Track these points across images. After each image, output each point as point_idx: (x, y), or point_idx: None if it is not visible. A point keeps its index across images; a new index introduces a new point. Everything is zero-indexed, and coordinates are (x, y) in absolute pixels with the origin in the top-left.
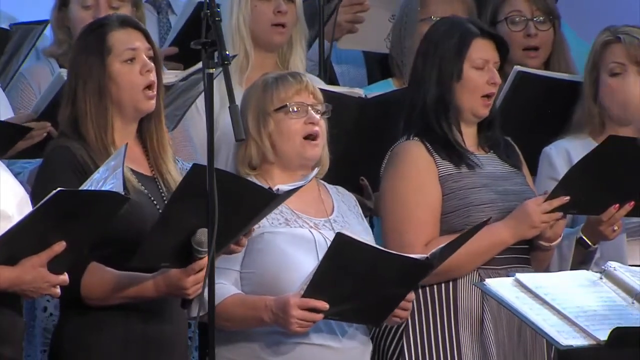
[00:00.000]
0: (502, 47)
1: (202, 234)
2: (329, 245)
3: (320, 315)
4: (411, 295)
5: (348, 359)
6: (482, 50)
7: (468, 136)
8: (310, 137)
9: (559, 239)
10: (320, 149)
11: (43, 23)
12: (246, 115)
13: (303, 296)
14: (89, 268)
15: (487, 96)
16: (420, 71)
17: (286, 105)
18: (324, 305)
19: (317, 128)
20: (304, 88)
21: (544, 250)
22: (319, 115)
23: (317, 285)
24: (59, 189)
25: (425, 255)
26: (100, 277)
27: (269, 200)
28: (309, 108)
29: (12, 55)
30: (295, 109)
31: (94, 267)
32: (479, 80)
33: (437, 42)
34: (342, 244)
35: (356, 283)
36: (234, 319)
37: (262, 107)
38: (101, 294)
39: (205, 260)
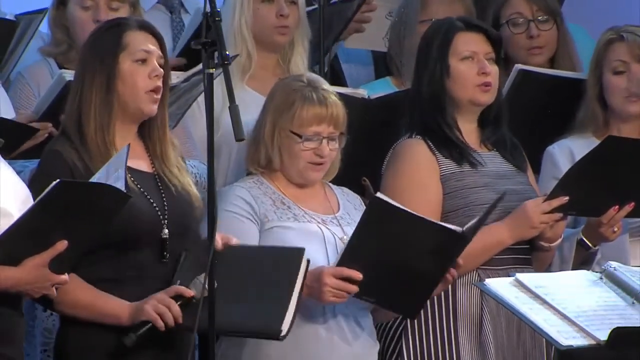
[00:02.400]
0: (497, 40)
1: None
2: (337, 240)
3: (355, 287)
4: (453, 272)
5: (355, 358)
6: (467, 43)
7: (469, 134)
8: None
9: (560, 240)
10: (323, 173)
11: (43, 11)
12: (266, 116)
13: (337, 265)
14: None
15: (482, 84)
16: (416, 72)
17: (302, 136)
18: (358, 275)
19: (324, 159)
20: (327, 117)
21: (544, 250)
22: (334, 141)
23: (351, 255)
24: (59, 179)
25: (461, 228)
26: (74, 287)
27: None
28: (323, 140)
29: (17, 45)
30: (309, 139)
31: (70, 276)
32: (469, 72)
33: (427, 43)
34: (378, 207)
35: (390, 251)
36: None
37: (281, 120)
38: (72, 303)
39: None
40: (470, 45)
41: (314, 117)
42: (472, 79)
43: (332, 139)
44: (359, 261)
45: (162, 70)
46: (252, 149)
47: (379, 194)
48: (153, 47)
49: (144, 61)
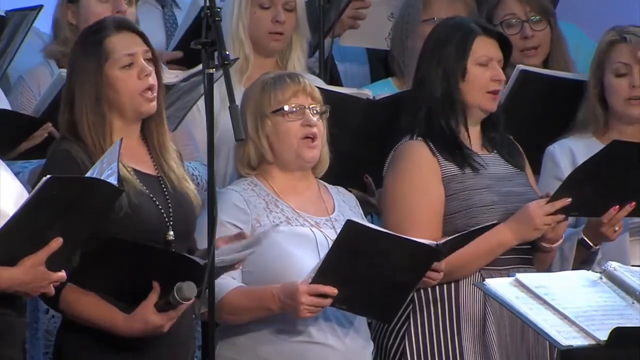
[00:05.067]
0: (506, 46)
1: (189, 292)
2: (329, 243)
3: (329, 300)
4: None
5: (349, 359)
6: (485, 48)
7: (473, 135)
8: (308, 137)
9: (561, 241)
10: (318, 151)
11: (37, 8)
12: (245, 116)
13: (312, 283)
14: (68, 287)
15: (493, 92)
16: (425, 71)
17: (283, 108)
18: (332, 290)
19: (314, 129)
20: (302, 89)
21: (545, 251)
22: (318, 116)
23: (326, 272)
24: (49, 175)
25: (435, 242)
26: (78, 297)
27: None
28: (306, 110)
29: (8, 42)
30: (293, 111)
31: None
32: (483, 77)
33: (441, 42)
34: (352, 231)
35: (365, 268)
36: (238, 312)
37: (259, 108)
38: (76, 313)
39: (185, 306)
40: (487, 51)
41: (290, 92)
42: (485, 84)
43: (315, 112)
44: (334, 276)
45: (150, 68)
46: (240, 151)
47: (351, 218)
48: (136, 47)
49: (130, 65)
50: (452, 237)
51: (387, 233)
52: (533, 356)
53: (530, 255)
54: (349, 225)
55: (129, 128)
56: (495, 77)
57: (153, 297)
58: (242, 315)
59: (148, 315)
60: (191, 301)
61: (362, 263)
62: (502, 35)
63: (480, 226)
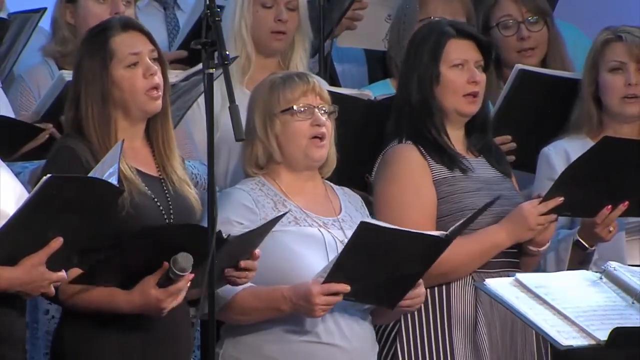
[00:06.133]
0: (487, 48)
1: (185, 262)
2: (337, 243)
3: (340, 297)
4: (422, 290)
5: (355, 359)
6: (458, 50)
7: (456, 140)
8: (317, 137)
9: (547, 245)
10: (326, 150)
11: (40, 11)
12: (253, 115)
13: (325, 282)
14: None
15: (470, 95)
16: (403, 76)
17: (292, 107)
18: (345, 288)
19: (323, 129)
20: (311, 89)
21: (531, 255)
22: (326, 116)
23: (339, 271)
24: (49, 175)
25: (445, 233)
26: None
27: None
28: (315, 109)
29: (11, 45)
30: (302, 111)
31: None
32: (458, 80)
33: (416, 46)
34: (365, 232)
35: (377, 265)
36: (248, 312)
37: (268, 108)
38: (75, 299)
39: (185, 280)
40: (461, 53)
41: (299, 92)
42: (461, 87)
43: (324, 112)
44: (346, 274)
45: (155, 67)
46: (247, 151)
47: (365, 219)
48: (141, 46)
49: (135, 64)
50: (459, 223)
51: (399, 230)
52: (523, 357)
53: (517, 259)
54: (363, 226)
55: (134, 128)
56: (471, 78)
57: (157, 274)
58: (251, 316)
59: (148, 289)
60: (189, 275)
61: (374, 260)
62: (480, 37)
63: (482, 206)
